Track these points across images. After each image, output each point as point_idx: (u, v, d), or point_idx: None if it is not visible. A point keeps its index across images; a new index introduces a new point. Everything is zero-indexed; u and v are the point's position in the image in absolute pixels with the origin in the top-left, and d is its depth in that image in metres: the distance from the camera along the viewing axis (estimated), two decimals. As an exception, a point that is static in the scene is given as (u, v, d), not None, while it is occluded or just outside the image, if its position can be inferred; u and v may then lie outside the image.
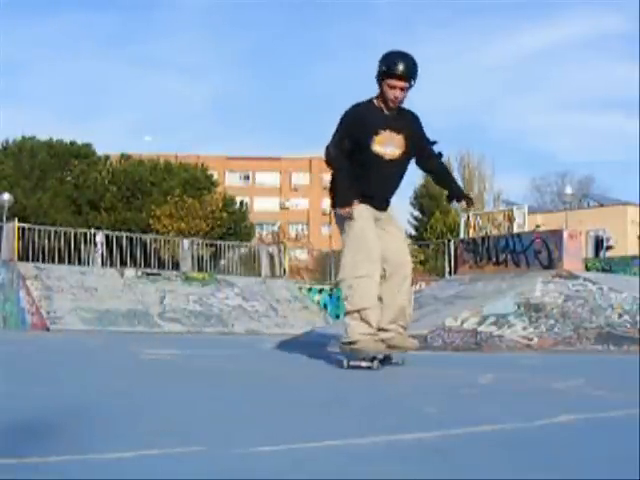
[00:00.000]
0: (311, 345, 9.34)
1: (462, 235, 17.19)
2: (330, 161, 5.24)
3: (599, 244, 36.75)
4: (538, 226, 20.94)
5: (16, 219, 19.16)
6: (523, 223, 17.05)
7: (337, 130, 5.19)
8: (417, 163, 5.46)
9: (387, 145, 5.14)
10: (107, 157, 36.62)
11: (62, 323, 15.98)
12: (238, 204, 36.79)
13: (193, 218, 32.07)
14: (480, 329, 9.30)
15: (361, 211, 5.14)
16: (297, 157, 70.90)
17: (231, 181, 68.63)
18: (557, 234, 11.65)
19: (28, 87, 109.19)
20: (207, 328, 17.41)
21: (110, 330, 15.79)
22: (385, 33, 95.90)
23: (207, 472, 1.83)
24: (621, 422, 2.77)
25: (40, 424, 2.52)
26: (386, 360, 5.30)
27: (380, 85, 5.07)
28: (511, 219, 17.14)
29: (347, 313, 5.08)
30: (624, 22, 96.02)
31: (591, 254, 33.52)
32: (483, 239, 13.17)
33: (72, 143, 36.12)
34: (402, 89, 5.01)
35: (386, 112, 5.13)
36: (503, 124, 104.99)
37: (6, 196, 28.13)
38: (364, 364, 4.95)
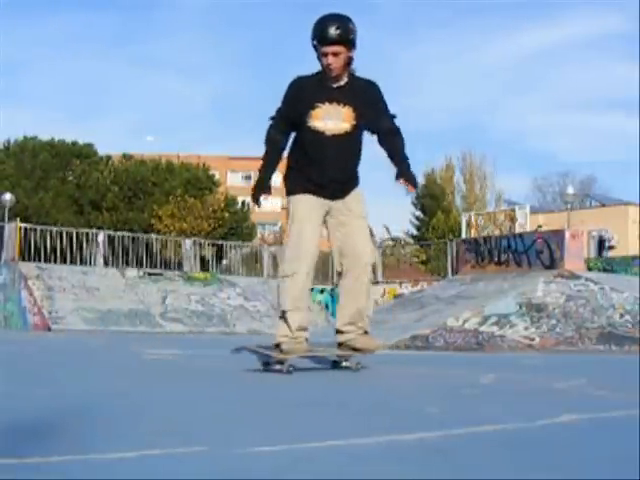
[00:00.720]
0: (310, 345, 9.34)
1: (464, 235, 17.18)
2: (265, 140, 4.84)
3: (602, 244, 36.74)
4: (540, 226, 20.92)
5: (18, 219, 19.21)
6: (525, 223, 17.04)
7: (278, 108, 4.81)
8: (378, 141, 4.88)
9: (327, 119, 4.64)
10: (109, 157, 36.63)
11: (64, 323, 16.01)
12: (240, 204, 36.78)
13: (195, 218, 32.07)
14: (482, 329, 9.31)
15: (298, 202, 4.75)
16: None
17: (233, 181, 68.70)
18: (559, 234, 11.66)
19: (29, 87, 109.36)
20: (209, 328, 17.43)
21: (112, 330, 15.81)
22: (385, 33, 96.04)
23: (208, 472, 1.83)
24: (623, 422, 2.77)
25: (42, 424, 2.52)
26: (336, 364, 5.00)
27: (317, 56, 4.64)
28: (513, 219, 17.14)
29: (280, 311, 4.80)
30: (624, 22, 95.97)
31: (594, 254, 33.48)
32: (485, 239, 13.17)
33: (74, 143, 36.13)
34: (334, 54, 4.54)
35: (330, 84, 4.66)
36: (504, 124, 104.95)
37: (8, 196, 28.13)
38: (278, 367, 4.59)
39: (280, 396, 3.65)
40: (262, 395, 3.70)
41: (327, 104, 4.64)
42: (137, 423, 2.63)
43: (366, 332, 4.82)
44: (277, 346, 4.67)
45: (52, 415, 2.78)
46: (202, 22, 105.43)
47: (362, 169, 4.94)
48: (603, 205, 48.49)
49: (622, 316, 9.48)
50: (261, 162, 4.93)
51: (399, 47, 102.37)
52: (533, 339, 9.18)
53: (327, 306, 21.79)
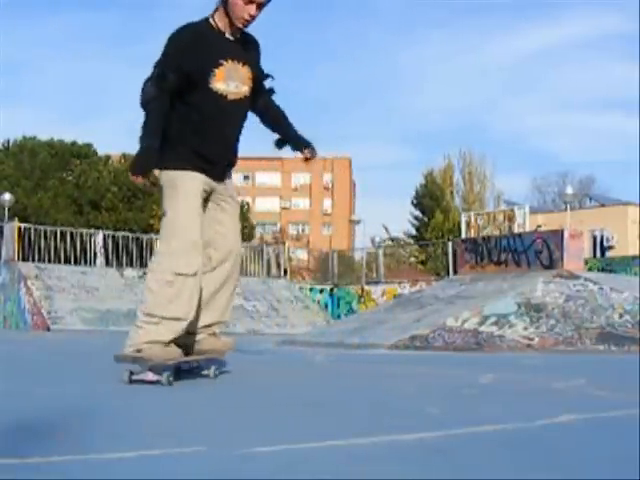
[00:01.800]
0: (310, 345, 9.34)
1: (463, 235, 17.18)
2: (144, 102, 3.81)
3: (602, 244, 36.79)
4: (539, 226, 20.94)
5: (17, 219, 19.18)
6: (524, 223, 17.04)
7: (160, 60, 3.84)
8: (252, 103, 4.15)
9: (230, 80, 3.89)
10: (108, 157, 36.65)
11: (63, 323, 15.99)
12: (238, 204, 36.77)
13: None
14: (481, 329, 9.30)
15: (185, 180, 3.89)
16: (298, 157, 70.86)
17: (232, 181, 68.63)
18: (558, 234, 11.65)
19: (29, 87, 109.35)
20: (208, 328, 17.42)
21: (111, 330, 15.79)
22: (385, 33, 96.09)
23: (207, 472, 1.83)
24: (622, 422, 2.77)
25: (42, 424, 2.52)
26: (186, 370, 4.22)
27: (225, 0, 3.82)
28: (512, 219, 17.14)
29: (146, 313, 3.93)
30: (624, 22, 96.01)
31: (594, 254, 33.50)
32: (484, 239, 13.17)
33: (73, 143, 36.16)
34: (259, 6, 3.80)
35: (228, 36, 3.91)
36: (504, 124, 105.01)
37: (7, 196, 28.06)
38: (150, 377, 3.84)
39: (278, 396, 3.65)
40: (260, 395, 3.70)
41: (230, 62, 3.90)
42: (136, 423, 2.63)
43: (214, 334, 4.19)
44: (136, 352, 3.92)
45: (52, 415, 2.78)
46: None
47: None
48: (602, 205, 48.54)
49: (621, 316, 9.47)
50: (145, 126, 3.83)
51: (398, 47, 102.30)
52: (532, 339, 9.17)
53: (326, 306, 21.81)
